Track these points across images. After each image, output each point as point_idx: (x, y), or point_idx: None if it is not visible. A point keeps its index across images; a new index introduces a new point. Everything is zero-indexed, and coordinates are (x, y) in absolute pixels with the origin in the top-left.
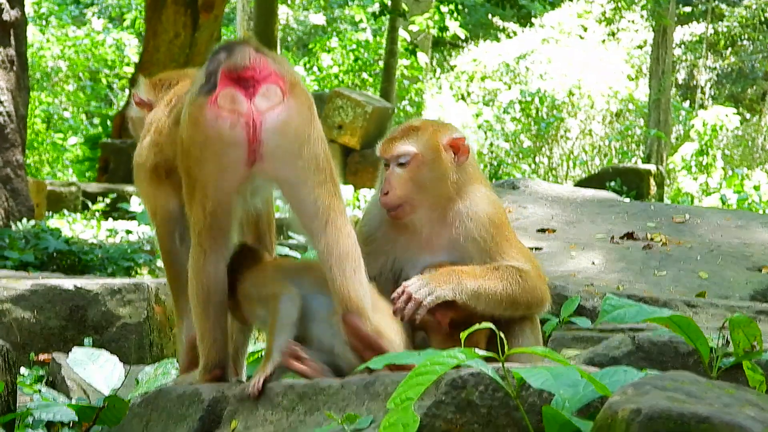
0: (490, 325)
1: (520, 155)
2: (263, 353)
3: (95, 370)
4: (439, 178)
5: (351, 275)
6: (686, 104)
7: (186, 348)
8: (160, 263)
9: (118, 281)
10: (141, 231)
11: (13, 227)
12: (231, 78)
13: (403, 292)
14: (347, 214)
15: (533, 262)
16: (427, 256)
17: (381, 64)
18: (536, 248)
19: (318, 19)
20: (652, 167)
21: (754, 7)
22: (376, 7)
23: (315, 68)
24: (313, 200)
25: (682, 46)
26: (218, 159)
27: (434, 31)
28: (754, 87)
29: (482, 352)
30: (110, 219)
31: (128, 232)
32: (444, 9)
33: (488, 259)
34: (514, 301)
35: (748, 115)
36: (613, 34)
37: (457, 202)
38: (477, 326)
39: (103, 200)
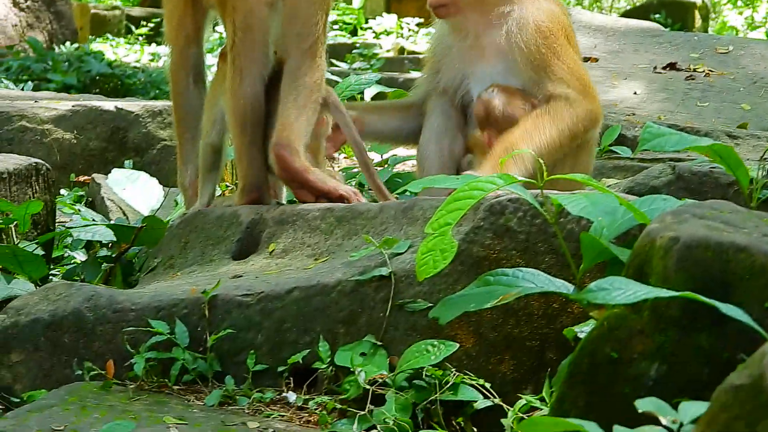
0: (530, 150)
1: None
2: None
3: (134, 191)
4: None
5: (300, 107)
6: None
7: (187, 195)
8: None
9: (159, 103)
10: None
11: (57, 50)
12: None
13: None
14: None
15: (583, 80)
16: (480, 65)
17: None
18: None
19: None
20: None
21: None
22: None
23: None
24: (310, 21)
25: None
26: None
27: None
28: None
29: (522, 178)
30: (153, 44)
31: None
32: None
33: (534, 73)
34: (573, 137)
35: None
36: None
37: (509, 6)
38: (516, 151)
39: (147, 24)
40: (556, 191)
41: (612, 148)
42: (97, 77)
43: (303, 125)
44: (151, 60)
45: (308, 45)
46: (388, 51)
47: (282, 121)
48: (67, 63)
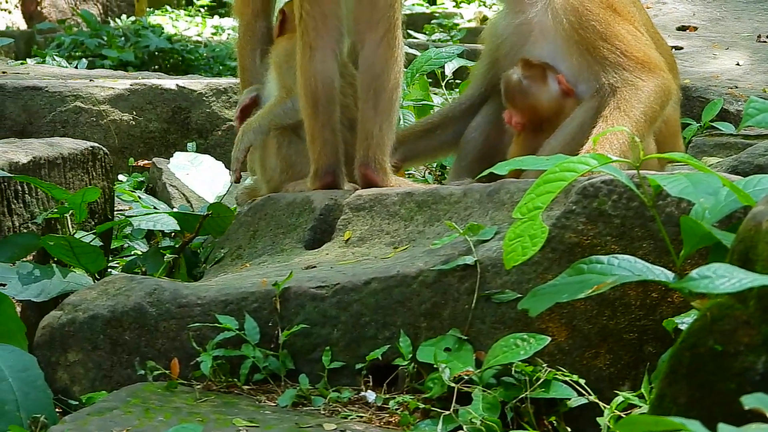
0: (625, 128)
1: None
2: None
3: (199, 175)
4: None
5: (381, 114)
6: None
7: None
8: None
9: (223, 81)
10: None
11: (112, 24)
12: None
13: None
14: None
15: (640, 55)
16: (530, 46)
17: None
18: (676, 47)
19: None
20: None
21: None
22: None
23: None
24: (384, 3)
25: None
26: None
27: None
28: None
29: (616, 158)
30: (216, 16)
31: (235, 29)
32: None
33: (581, 57)
34: (652, 121)
35: None
36: None
37: None
38: (609, 129)
39: None
40: (652, 172)
41: (713, 124)
42: (156, 53)
43: (386, 135)
44: (214, 34)
45: (382, 32)
46: (469, 21)
47: (364, 132)
48: (123, 38)
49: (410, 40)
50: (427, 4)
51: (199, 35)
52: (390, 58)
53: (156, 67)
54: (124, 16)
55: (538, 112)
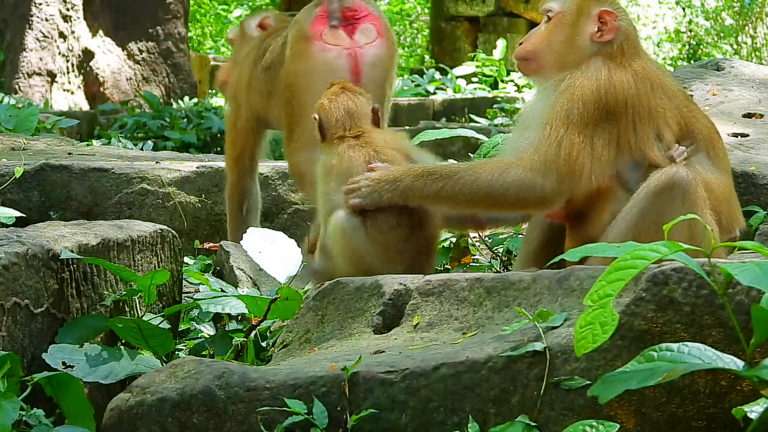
0: (696, 216)
1: (722, 34)
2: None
3: (271, 254)
4: (570, 43)
5: None
6: None
7: None
8: None
9: None
10: None
11: (174, 105)
12: (333, 17)
13: None
14: None
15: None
16: None
17: None
18: (742, 134)
19: None
20: None
21: None
22: None
23: None
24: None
25: None
26: (326, 85)
27: None
28: None
29: (687, 246)
30: None
31: None
32: None
33: None
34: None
35: None
36: None
37: (581, 69)
38: (682, 218)
39: None
40: (723, 260)
41: None
42: (218, 134)
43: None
44: None
45: None
46: None
47: None
48: (185, 119)
49: (472, 124)
50: (489, 89)
51: None
52: None
53: (218, 148)
54: (186, 98)
55: (571, 201)
